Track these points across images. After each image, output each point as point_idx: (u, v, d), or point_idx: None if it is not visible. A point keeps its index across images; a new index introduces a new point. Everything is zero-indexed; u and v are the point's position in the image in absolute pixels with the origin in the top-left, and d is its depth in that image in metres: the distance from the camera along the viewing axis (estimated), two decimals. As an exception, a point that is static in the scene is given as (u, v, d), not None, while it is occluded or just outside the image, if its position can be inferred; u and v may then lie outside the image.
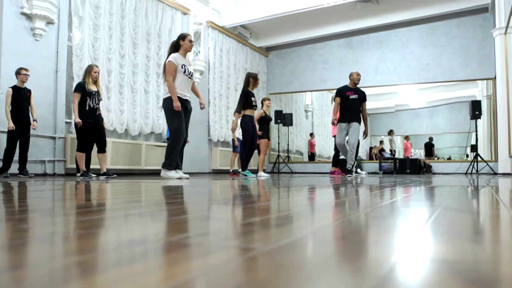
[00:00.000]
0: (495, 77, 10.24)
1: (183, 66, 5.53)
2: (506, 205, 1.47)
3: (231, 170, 9.47)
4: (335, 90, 7.57)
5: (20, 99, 6.09)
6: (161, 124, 9.17)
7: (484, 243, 0.74)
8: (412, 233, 0.84)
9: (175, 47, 5.64)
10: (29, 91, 6.22)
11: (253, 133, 7.13)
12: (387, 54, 12.20)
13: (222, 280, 0.47)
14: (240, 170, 9.24)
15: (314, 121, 14.54)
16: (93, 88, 6.06)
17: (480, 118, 9.94)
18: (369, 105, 15.28)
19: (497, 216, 1.18)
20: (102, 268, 0.53)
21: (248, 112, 7.10)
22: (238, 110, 7.14)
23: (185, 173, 5.87)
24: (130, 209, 1.34)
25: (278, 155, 12.29)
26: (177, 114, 5.46)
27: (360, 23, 11.73)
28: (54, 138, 7.07)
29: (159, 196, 2.09)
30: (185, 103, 5.60)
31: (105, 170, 6.15)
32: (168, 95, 5.48)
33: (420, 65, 11.74)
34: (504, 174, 8.86)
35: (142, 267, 0.54)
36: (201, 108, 5.86)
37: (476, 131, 9.87)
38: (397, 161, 11.71)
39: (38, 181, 4.29)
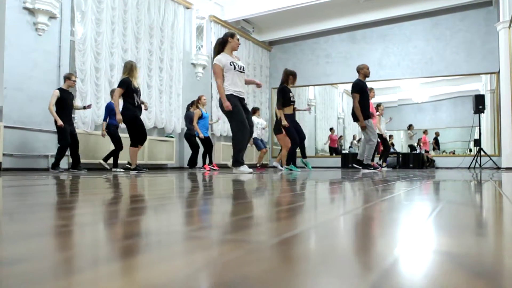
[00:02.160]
0: (498, 71, 10.19)
1: (232, 63, 5.39)
2: (510, 199, 1.47)
3: (258, 165, 9.74)
4: (354, 84, 6.95)
5: (67, 101, 6.31)
6: (164, 119, 9.19)
7: (487, 236, 0.74)
8: (416, 226, 0.84)
9: (221, 45, 5.51)
10: (72, 94, 6.51)
11: (296, 128, 7.18)
12: (391, 48, 12.15)
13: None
14: (258, 165, 9.65)
15: (317, 115, 14.52)
16: (136, 84, 6.14)
17: (483, 112, 9.90)
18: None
19: (500, 209, 1.18)
20: (107, 260, 0.53)
21: (286, 110, 7.05)
22: (279, 107, 7.13)
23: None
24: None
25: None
26: (236, 111, 5.32)
27: (363, 17, 11.67)
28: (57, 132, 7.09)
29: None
30: (242, 101, 5.48)
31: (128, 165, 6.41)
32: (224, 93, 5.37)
33: (424, 59, 11.70)
34: (507, 169, 8.83)
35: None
36: (258, 87, 5.89)
37: (480, 126, 9.84)
38: (400, 155, 11.69)
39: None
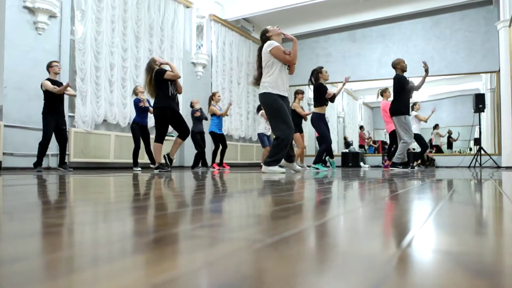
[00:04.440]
0: (499, 70, 10.19)
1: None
2: (510, 198, 1.47)
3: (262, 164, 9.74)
4: (396, 79, 6.81)
5: (54, 93, 5.89)
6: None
7: (487, 234, 0.74)
8: (416, 225, 0.84)
9: (267, 36, 5.08)
10: (62, 83, 6.10)
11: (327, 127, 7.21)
12: (391, 47, 12.14)
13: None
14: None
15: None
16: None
17: (483, 111, 9.89)
18: (373, 98, 15.31)
19: (500, 208, 1.18)
20: (105, 260, 0.54)
21: (318, 110, 7.10)
22: (316, 105, 7.25)
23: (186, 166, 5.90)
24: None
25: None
26: (279, 111, 4.89)
27: (363, 16, 11.66)
28: (57, 131, 7.09)
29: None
30: (285, 100, 4.99)
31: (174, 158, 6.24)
32: (264, 90, 4.93)
33: (424, 58, 11.60)
34: (507, 168, 8.83)
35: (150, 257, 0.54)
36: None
37: (480, 125, 9.84)
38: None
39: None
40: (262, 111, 9.55)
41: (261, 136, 9.49)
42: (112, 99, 8.00)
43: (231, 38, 11.66)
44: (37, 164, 5.85)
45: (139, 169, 7.00)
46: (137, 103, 7.10)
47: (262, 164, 9.69)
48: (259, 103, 10.28)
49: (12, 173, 5.00)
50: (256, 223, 0.86)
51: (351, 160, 11.59)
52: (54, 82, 6.01)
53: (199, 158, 8.32)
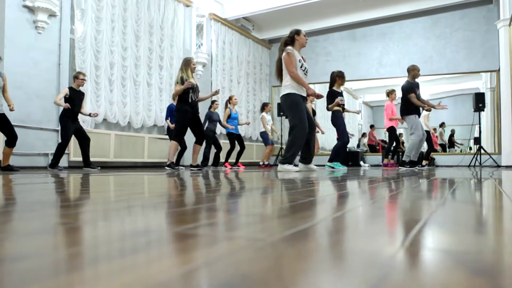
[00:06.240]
0: (499, 69, 10.18)
1: (300, 61, 5.17)
2: (510, 197, 1.47)
3: (261, 163, 9.94)
4: (404, 87, 7.31)
5: (75, 101, 6.27)
6: (164, 117, 9.18)
7: (487, 233, 0.75)
8: (417, 224, 0.84)
9: (288, 43, 5.24)
10: (83, 94, 6.52)
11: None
12: (391, 47, 12.13)
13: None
14: (266, 162, 9.86)
15: (316, 113, 14.49)
16: (193, 81, 6.16)
17: (483, 110, 9.88)
18: (373, 97, 15.35)
19: (500, 207, 1.18)
20: (107, 259, 0.54)
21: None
22: (328, 109, 7.35)
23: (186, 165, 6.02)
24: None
25: (281, 148, 12.28)
26: (297, 107, 5.09)
27: (363, 15, 11.65)
28: (57, 131, 7.09)
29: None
30: (304, 101, 5.23)
31: (198, 163, 6.51)
32: (286, 91, 5.15)
33: (424, 57, 11.68)
34: (507, 167, 8.83)
35: (151, 256, 0.54)
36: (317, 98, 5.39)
37: (480, 124, 9.83)
38: (400, 153, 11.69)
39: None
40: (262, 115, 9.65)
41: (263, 134, 9.69)
42: (112, 98, 8.00)
43: (231, 37, 11.66)
44: (54, 164, 6.11)
45: (182, 167, 7.22)
46: None
47: (261, 163, 9.81)
48: (262, 102, 10.48)
49: (11, 172, 5.00)
50: (258, 221, 0.86)
51: (350, 159, 11.59)
52: (74, 91, 6.31)
53: (217, 156, 8.60)
